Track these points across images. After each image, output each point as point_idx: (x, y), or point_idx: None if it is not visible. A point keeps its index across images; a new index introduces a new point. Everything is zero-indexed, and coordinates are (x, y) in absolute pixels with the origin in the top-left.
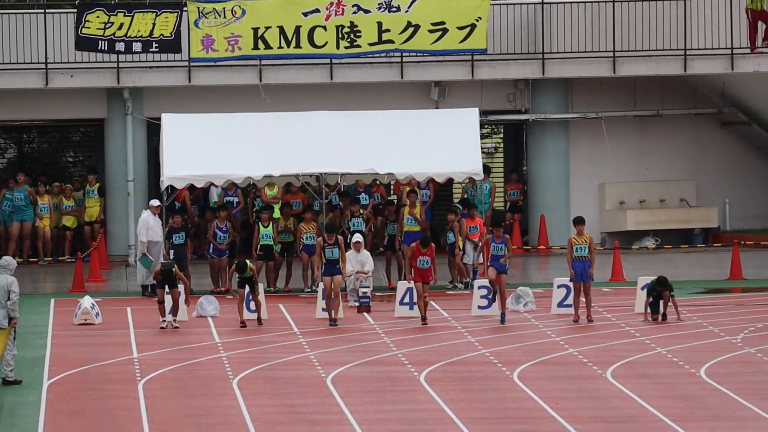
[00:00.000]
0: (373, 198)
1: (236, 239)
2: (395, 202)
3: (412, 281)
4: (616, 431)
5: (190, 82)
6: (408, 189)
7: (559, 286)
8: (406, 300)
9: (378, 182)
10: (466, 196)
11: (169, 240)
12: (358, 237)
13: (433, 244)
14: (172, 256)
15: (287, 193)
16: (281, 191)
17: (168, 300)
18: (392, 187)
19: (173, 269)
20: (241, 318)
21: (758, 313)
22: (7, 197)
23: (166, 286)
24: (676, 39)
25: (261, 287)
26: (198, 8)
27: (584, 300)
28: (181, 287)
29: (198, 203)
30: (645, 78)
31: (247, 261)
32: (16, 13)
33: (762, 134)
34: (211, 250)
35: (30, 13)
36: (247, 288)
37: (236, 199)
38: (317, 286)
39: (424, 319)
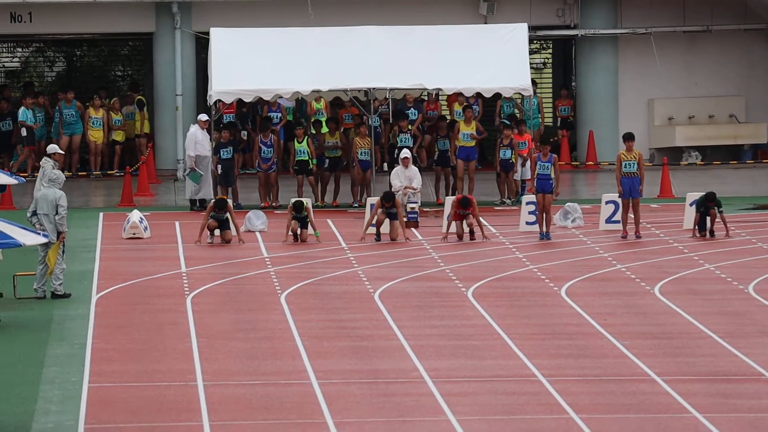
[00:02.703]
0: (422, 113)
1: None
2: (446, 117)
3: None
4: (664, 347)
5: None
6: (464, 104)
7: (607, 202)
8: None
9: (428, 97)
10: (504, 111)
11: (217, 155)
12: (406, 152)
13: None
14: (219, 171)
15: (341, 108)
16: (328, 105)
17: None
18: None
19: (227, 204)
20: (287, 234)
21: None
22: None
23: (218, 231)
24: None
25: (309, 202)
26: None
27: (632, 216)
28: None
29: (248, 118)
30: None
31: (303, 201)
32: None
33: None
34: (258, 165)
35: None
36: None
37: (278, 114)
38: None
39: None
